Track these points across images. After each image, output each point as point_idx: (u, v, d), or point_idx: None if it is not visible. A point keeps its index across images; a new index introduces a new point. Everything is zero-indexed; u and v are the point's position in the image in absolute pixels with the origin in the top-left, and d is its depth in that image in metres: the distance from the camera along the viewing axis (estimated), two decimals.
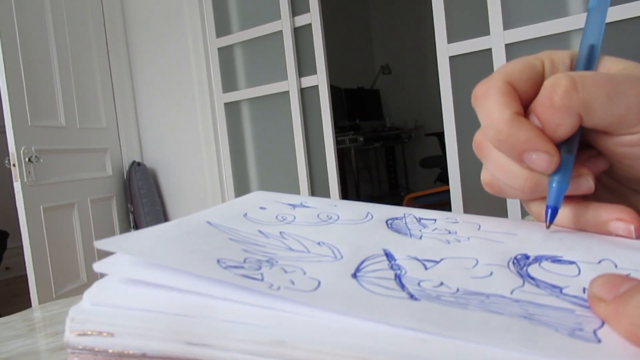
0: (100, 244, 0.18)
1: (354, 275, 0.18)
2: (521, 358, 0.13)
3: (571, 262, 0.20)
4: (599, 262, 0.20)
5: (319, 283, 0.18)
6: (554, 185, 0.23)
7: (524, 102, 0.23)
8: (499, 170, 0.24)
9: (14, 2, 2.06)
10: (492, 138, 0.23)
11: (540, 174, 0.23)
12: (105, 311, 0.18)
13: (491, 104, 0.23)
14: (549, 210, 0.23)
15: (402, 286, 0.18)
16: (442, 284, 0.18)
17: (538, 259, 0.20)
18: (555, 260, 0.20)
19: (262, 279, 0.17)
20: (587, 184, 0.23)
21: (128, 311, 0.17)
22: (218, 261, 0.18)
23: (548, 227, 0.23)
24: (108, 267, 0.18)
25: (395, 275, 0.19)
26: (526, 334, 0.14)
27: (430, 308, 0.16)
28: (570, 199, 0.24)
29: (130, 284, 0.18)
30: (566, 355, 0.13)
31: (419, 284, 0.18)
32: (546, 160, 0.22)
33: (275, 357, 0.15)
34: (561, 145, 0.23)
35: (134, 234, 0.20)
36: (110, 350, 0.17)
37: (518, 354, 0.13)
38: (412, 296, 0.17)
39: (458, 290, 0.18)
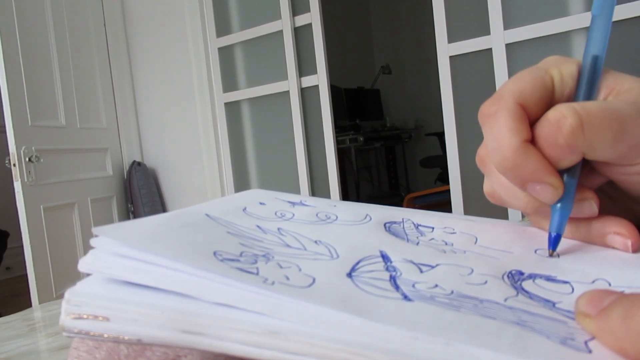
0: (99, 230, 0.19)
1: (349, 275, 0.18)
2: None
3: (565, 282, 0.20)
4: (593, 282, 0.20)
5: (314, 280, 0.18)
6: (557, 212, 0.23)
7: (533, 120, 0.22)
8: (502, 188, 0.24)
9: (14, 2, 2.06)
10: (497, 163, 0.22)
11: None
12: (102, 294, 0.17)
13: (500, 127, 0.22)
14: (552, 238, 0.23)
15: (397, 287, 0.18)
16: (436, 285, 0.18)
17: (532, 276, 0.20)
18: (549, 279, 0.20)
19: (257, 273, 0.17)
20: (590, 208, 0.23)
21: (123, 294, 0.17)
22: (214, 253, 0.19)
23: (551, 254, 0.23)
24: (102, 243, 0.18)
25: (390, 276, 0.19)
26: (518, 339, 0.14)
27: (423, 309, 0.16)
28: None
29: (124, 257, 0.18)
30: None
31: (413, 285, 0.18)
32: (550, 192, 0.22)
33: (269, 348, 0.15)
34: (564, 170, 0.22)
35: (133, 223, 0.21)
36: (106, 335, 0.17)
37: (509, 357, 0.13)
38: (405, 297, 0.17)
39: (452, 292, 0.18)
